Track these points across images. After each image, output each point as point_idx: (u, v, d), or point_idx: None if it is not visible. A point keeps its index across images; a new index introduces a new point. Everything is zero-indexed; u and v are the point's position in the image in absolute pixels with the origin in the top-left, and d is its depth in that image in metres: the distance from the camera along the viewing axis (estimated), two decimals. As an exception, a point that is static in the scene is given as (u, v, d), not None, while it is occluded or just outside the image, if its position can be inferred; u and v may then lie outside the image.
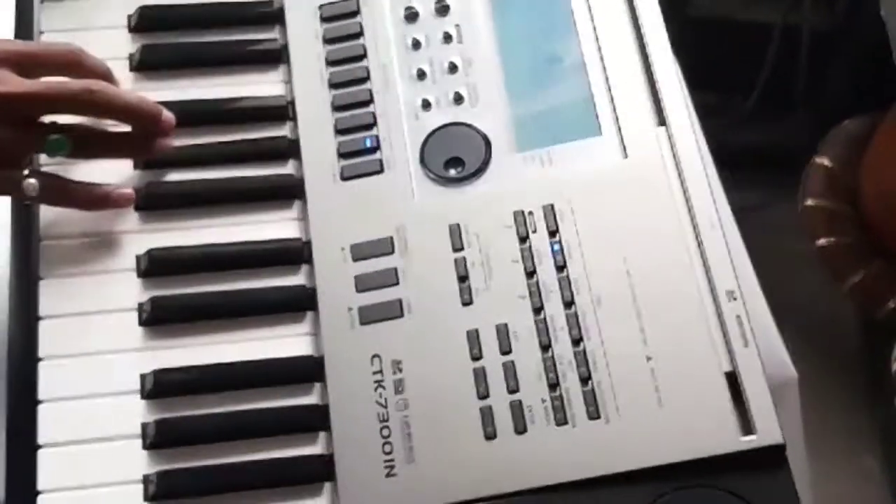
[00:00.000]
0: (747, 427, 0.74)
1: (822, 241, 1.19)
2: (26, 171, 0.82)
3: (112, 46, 0.90)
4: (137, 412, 0.78)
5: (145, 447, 0.77)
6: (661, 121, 0.84)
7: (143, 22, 0.91)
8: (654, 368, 0.76)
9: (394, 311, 0.80)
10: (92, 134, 0.84)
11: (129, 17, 0.91)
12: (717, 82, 1.13)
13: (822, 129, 1.23)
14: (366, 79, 0.88)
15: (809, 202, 1.21)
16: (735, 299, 0.77)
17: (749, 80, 1.27)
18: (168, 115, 0.85)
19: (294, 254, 0.83)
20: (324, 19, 0.90)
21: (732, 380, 0.75)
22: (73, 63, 0.84)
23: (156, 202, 0.84)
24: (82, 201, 0.84)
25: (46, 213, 0.84)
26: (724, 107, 1.28)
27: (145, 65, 0.89)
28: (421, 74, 0.88)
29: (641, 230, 0.80)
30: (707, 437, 0.74)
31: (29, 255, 0.83)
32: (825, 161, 1.22)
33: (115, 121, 0.85)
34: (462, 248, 0.81)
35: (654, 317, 0.77)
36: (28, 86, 0.81)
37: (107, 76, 0.86)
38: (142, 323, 0.81)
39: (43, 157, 0.84)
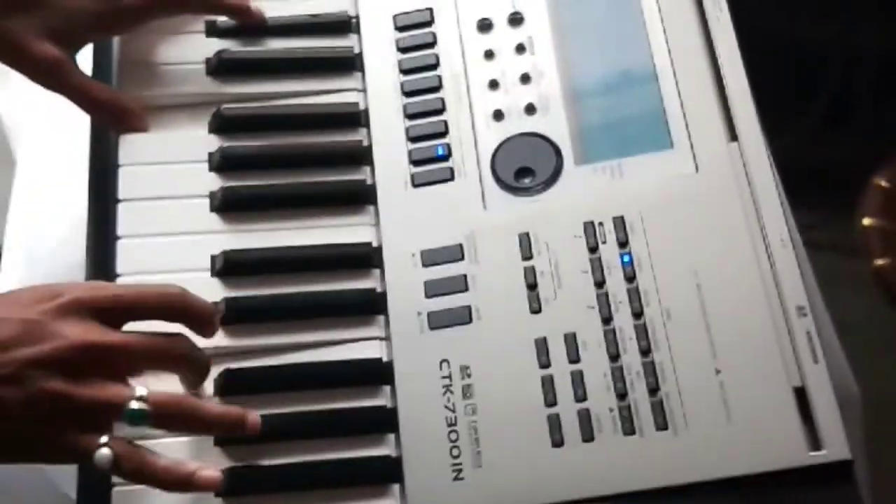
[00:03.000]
0: (815, 442, 0.74)
1: (879, 262, 1.20)
2: (103, 439, 0.70)
3: (189, 50, 0.91)
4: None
5: (216, 444, 0.78)
6: (733, 136, 0.84)
7: (220, 27, 0.92)
8: (722, 381, 0.76)
9: (463, 317, 0.81)
10: (178, 408, 0.74)
11: (207, 22, 0.92)
12: (777, 101, 1.13)
13: (882, 150, 1.24)
14: (439, 87, 0.89)
15: (867, 222, 1.21)
16: (805, 315, 0.78)
17: (809, 99, 1.27)
18: (254, 420, 0.76)
19: (365, 258, 0.84)
20: (398, 28, 0.91)
21: (801, 395, 0.76)
22: (177, 309, 0.75)
23: (232, 205, 0.85)
24: (161, 481, 0.73)
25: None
26: (784, 125, 1.28)
27: (222, 69, 0.90)
28: (493, 84, 0.89)
29: (712, 244, 0.80)
30: (775, 450, 0.74)
31: (107, 254, 0.84)
32: (884, 181, 1.23)
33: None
34: (531, 257, 0.82)
35: (724, 330, 0.77)
36: (112, 337, 0.72)
37: (210, 319, 0.77)
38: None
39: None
